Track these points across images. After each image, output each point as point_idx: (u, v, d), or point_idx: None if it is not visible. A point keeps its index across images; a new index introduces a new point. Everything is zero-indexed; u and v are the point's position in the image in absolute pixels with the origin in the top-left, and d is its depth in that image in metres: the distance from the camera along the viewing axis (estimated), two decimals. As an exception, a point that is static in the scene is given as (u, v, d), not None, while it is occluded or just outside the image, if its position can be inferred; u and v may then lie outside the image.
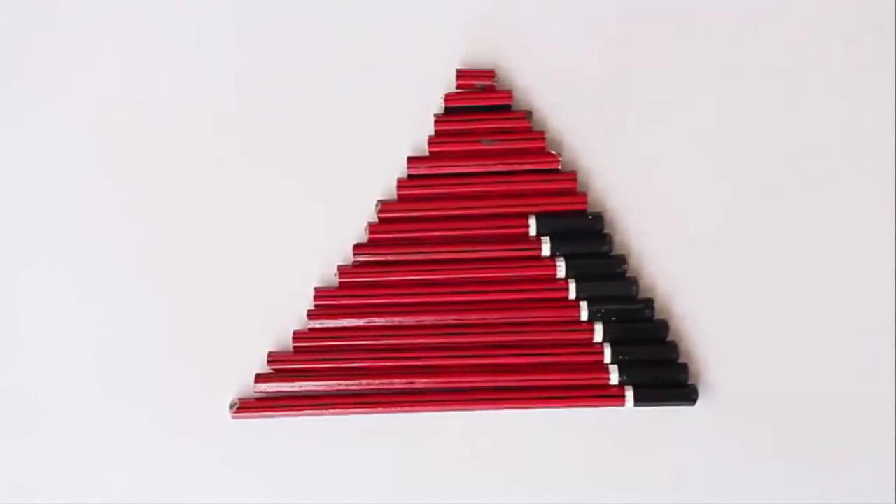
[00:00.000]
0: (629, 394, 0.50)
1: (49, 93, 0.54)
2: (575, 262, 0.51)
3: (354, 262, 0.52)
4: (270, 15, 0.54)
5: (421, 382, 0.51)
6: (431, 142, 0.52)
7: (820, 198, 0.52)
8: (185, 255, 0.53)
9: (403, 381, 0.51)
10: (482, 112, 0.52)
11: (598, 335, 0.51)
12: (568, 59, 0.53)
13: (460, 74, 0.52)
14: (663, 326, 0.51)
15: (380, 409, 0.51)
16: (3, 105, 0.54)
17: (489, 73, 0.52)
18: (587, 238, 0.52)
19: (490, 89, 0.52)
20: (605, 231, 0.52)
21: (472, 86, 0.52)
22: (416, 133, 0.53)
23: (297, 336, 0.52)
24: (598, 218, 0.52)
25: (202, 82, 0.54)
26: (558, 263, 0.51)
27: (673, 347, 0.51)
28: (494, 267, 0.52)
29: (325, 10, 0.54)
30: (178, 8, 0.54)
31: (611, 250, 0.52)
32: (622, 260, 0.51)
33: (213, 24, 0.54)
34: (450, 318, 0.51)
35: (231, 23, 0.54)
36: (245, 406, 0.51)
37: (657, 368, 0.51)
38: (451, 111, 0.52)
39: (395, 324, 0.52)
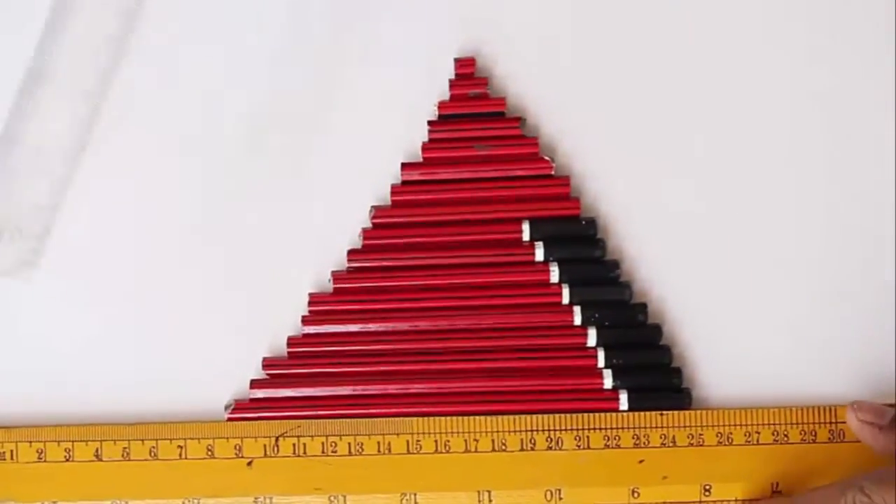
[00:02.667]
0: (623, 398, 0.50)
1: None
2: (568, 267, 0.51)
3: (349, 267, 0.52)
4: (265, 20, 0.54)
5: (416, 388, 0.51)
6: (425, 148, 0.52)
7: (817, 204, 0.52)
8: (179, 260, 0.53)
9: (398, 386, 0.51)
10: (476, 119, 0.52)
11: (592, 340, 0.51)
12: (561, 64, 0.53)
13: (453, 84, 0.52)
14: (657, 331, 0.51)
15: (373, 411, 0.51)
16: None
17: (482, 81, 0.52)
18: (580, 243, 0.52)
19: (484, 97, 0.52)
20: (599, 236, 0.52)
21: (465, 94, 0.52)
22: (410, 140, 0.53)
23: (292, 342, 0.52)
24: (592, 223, 0.52)
25: (197, 88, 0.54)
26: (552, 268, 0.51)
27: (667, 352, 0.51)
28: (488, 272, 0.52)
29: (318, 16, 0.54)
30: (174, 8, 0.54)
31: (604, 255, 0.52)
32: (615, 265, 0.52)
33: (208, 28, 0.54)
34: (444, 324, 0.52)
35: (225, 27, 0.54)
36: (240, 407, 0.52)
37: (651, 373, 0.51)
38: (445, 118, 0.52)
39: (390, 329, 0.52)
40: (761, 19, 0.53)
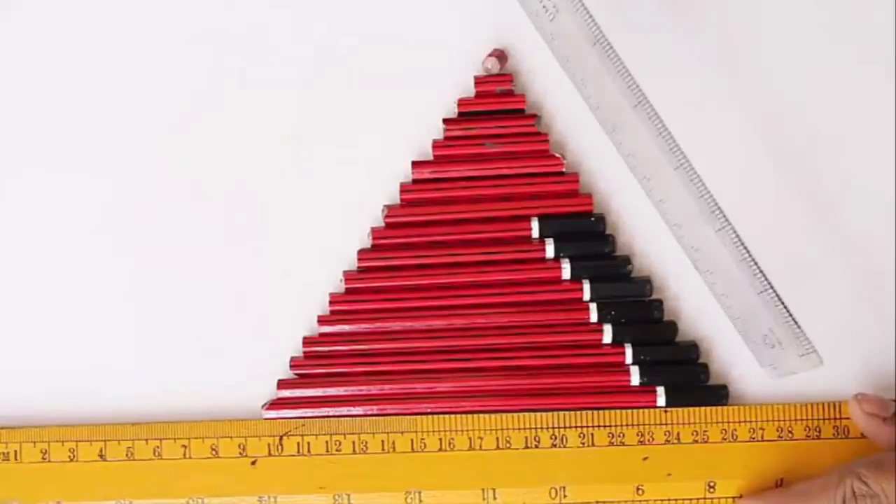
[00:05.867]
0: (660, 392, 0.50)
1: (48, 88, 0.54)
2: (580, 264, 0.52)
3: (359, 267, 0.52)
4: (282, 16, 0.54)
5: (439, 387, 0.51)
6: (436, 146, 0.52)
7: (826, 197, 0.53)
8: (181, 262, 0.53)
9: (425, 385, 0.51)
10: (490, 117, 0.52)
11: (608, 336, 0.51)
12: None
13: (478, 80, 0.52)
14: (673, 327, 0.52)
15: (400, 407, 0.51)
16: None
17: (507, 78, 0.52)
18: (590, 239, 0.52)
19: (509, 94, 0.52)
20: (608, 232, 0.52)
21: (490, 91, 0.52)
22: (421, 137, 0.53)
23: (307, 342, 0.52)
24: (601, 219, 0.52)
25: (207, 87, 0.54)
26: (563, 265, 0.52)
27: (693, 348, 0.51)
28: (500, 270, 0.52)
29: (336, 13, 0.54)
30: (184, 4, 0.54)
31: (613, 251, 0.52)
32: (627, 261, 0.52)
33: (218, 27, 0.54)
34: (459, 322, 0.52)
35: (238, 23, 0.54)
36: (274, 404, 0.52)
37: (677, 369, 0.51)
38: (463, 116, 0.52)
39: (405, 328, 0.52)
40: (770, 23, 0.53)
